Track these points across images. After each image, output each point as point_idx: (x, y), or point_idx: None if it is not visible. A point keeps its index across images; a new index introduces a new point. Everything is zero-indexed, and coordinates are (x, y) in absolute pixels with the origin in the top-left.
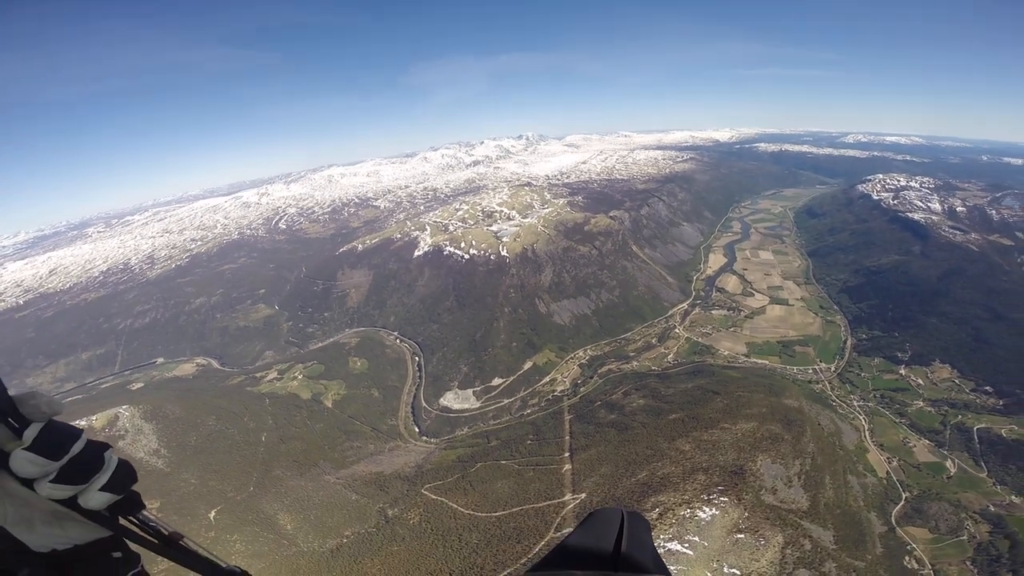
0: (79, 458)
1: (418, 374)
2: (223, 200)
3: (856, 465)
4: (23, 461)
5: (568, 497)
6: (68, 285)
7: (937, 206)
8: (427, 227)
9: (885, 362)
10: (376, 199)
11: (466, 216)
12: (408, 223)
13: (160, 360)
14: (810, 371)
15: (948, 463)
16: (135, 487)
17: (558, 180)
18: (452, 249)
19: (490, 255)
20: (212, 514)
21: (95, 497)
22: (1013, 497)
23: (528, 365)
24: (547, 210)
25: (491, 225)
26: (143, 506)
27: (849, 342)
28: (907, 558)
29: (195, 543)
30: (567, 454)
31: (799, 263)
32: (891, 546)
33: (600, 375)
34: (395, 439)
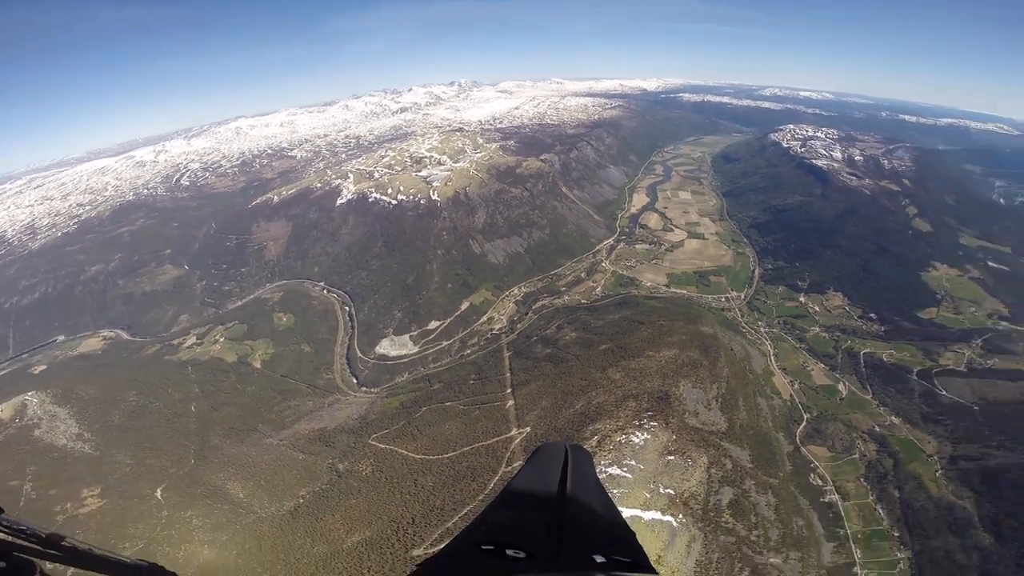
0: None
1: (350, 324)
2: (112, 160)
3: (764, 388)
4: None
5: (515, 432)
6: None
7: (839, 155)
8: (350, 175)
9: (787, 290)
10: (291, 149)
11: (393, 163)
12: (329, 172)
13: (61, 338)
14: (723, 299)
15: (840, 386)
16: None
17: (491, 125)
18: (378, 196)
19: (420, 200)
20: (158, 492)
21: None
22: (893, 418)
23: (465, 306)
24: (479, 154)
25: (420, 171)
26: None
27: (757, 272)
28: (812, 475)
29: (82, 541)
30: (509, 390)
31: (715, 202)
32: (798, 464)
33: (535, 311)
34: (334, 393)
